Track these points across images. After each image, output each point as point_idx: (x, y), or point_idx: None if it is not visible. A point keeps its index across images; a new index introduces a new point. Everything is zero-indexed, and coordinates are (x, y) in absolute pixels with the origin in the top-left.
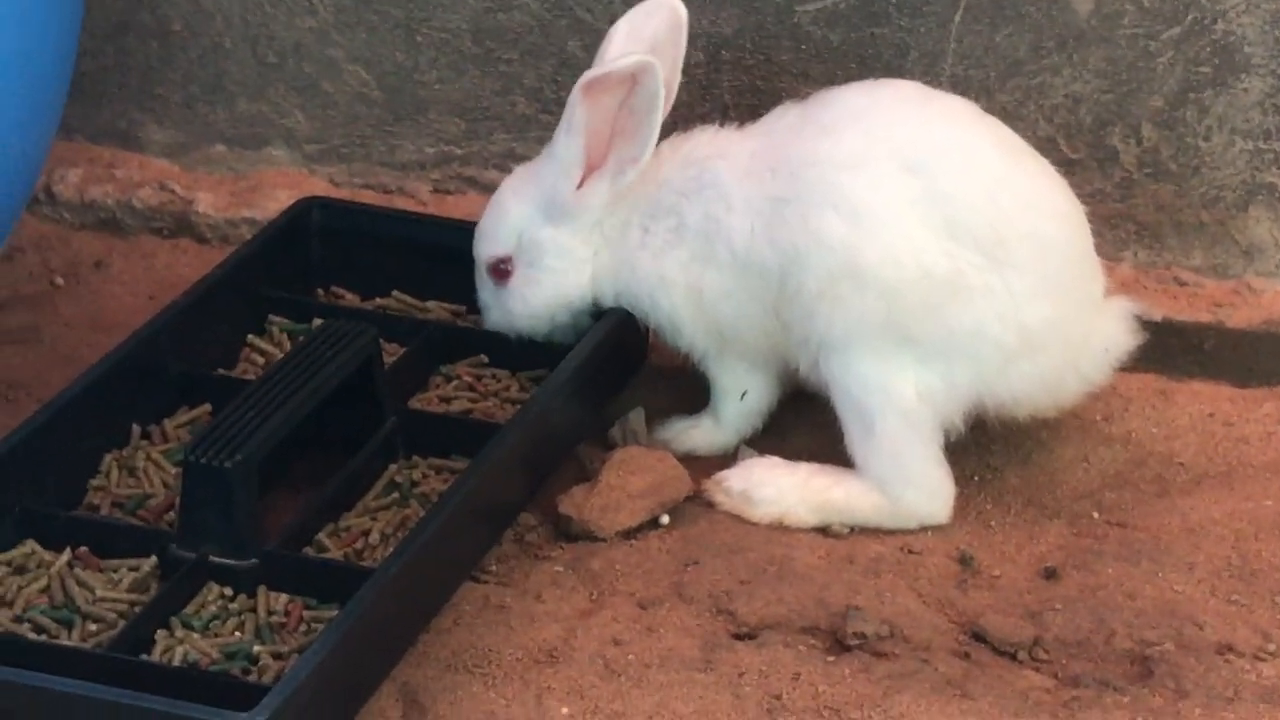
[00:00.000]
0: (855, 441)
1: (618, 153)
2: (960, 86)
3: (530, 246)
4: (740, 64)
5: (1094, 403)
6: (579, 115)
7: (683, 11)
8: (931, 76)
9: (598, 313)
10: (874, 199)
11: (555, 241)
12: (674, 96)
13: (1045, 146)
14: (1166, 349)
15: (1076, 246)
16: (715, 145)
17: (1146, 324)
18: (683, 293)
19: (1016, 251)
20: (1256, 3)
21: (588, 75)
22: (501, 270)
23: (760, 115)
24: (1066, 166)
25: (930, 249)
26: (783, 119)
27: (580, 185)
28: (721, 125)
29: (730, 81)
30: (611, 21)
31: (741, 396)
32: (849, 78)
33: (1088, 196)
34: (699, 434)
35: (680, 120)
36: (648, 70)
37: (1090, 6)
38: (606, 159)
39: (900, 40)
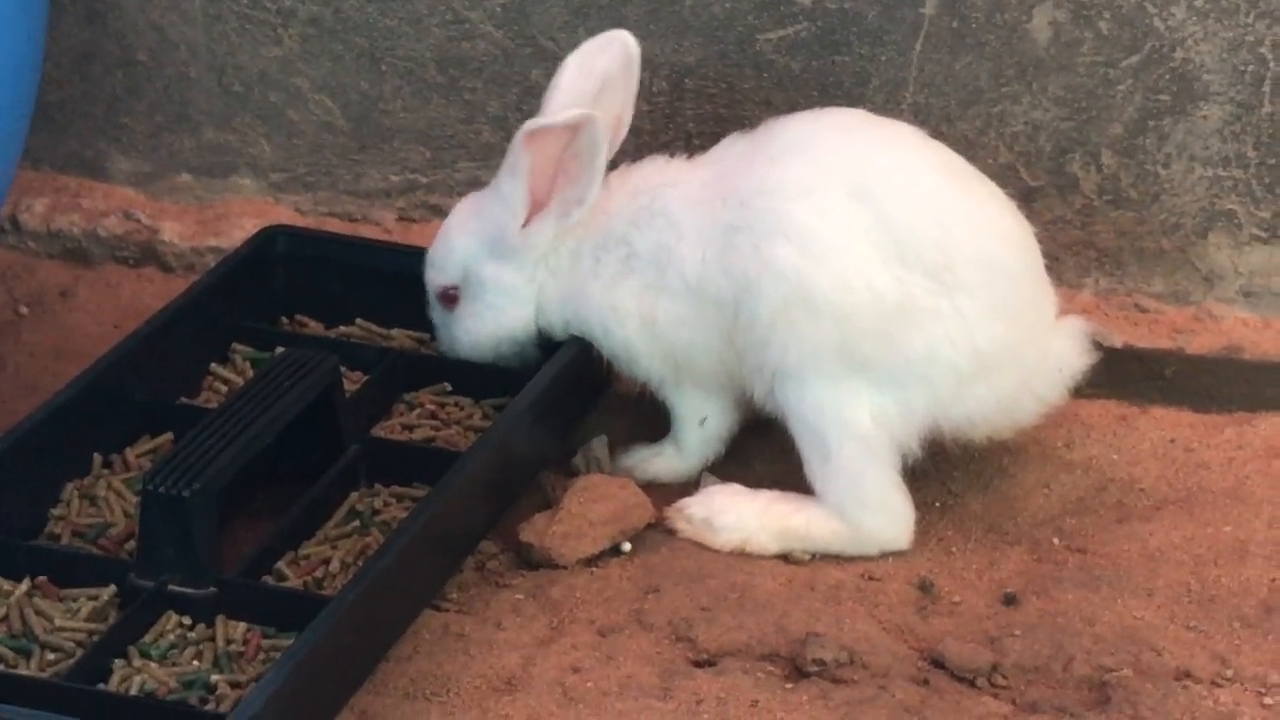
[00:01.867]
0: (813, 468)
1: (562, 194)
2: (921, 114)
3: (474, 281)
4: (703, 92)
5: (1055, 429)
6: (522, 160)
7: (635, 48)
8: (893, 105)
9: (546, 343)
10: (822, 226)
11: (498, 279)
12: (625, 130)
13: (1006, 174)
14: (1127, 375)
15: (1026, 268)
16: (665, 174)
17: (1107, 350)
18: (636, 322)
19: (965, 275)
20: (1214, 30)
21: (529, 125)
22: (449, 297)
23: (718, 142)
24: (1027, 194)
25: (880, 274)
26: (732, 148)
27: (526, 224)
28: (673, 155)
29: (693, 110)
30: (573, 47)
31: (701, 423)
32: (811, 106)
33: (1048, 224)
34: (661, 462)
35: (644, 148)
36: (588, 123)
37: (1049, 35)
38: (551, 199)
39: (861, 68)
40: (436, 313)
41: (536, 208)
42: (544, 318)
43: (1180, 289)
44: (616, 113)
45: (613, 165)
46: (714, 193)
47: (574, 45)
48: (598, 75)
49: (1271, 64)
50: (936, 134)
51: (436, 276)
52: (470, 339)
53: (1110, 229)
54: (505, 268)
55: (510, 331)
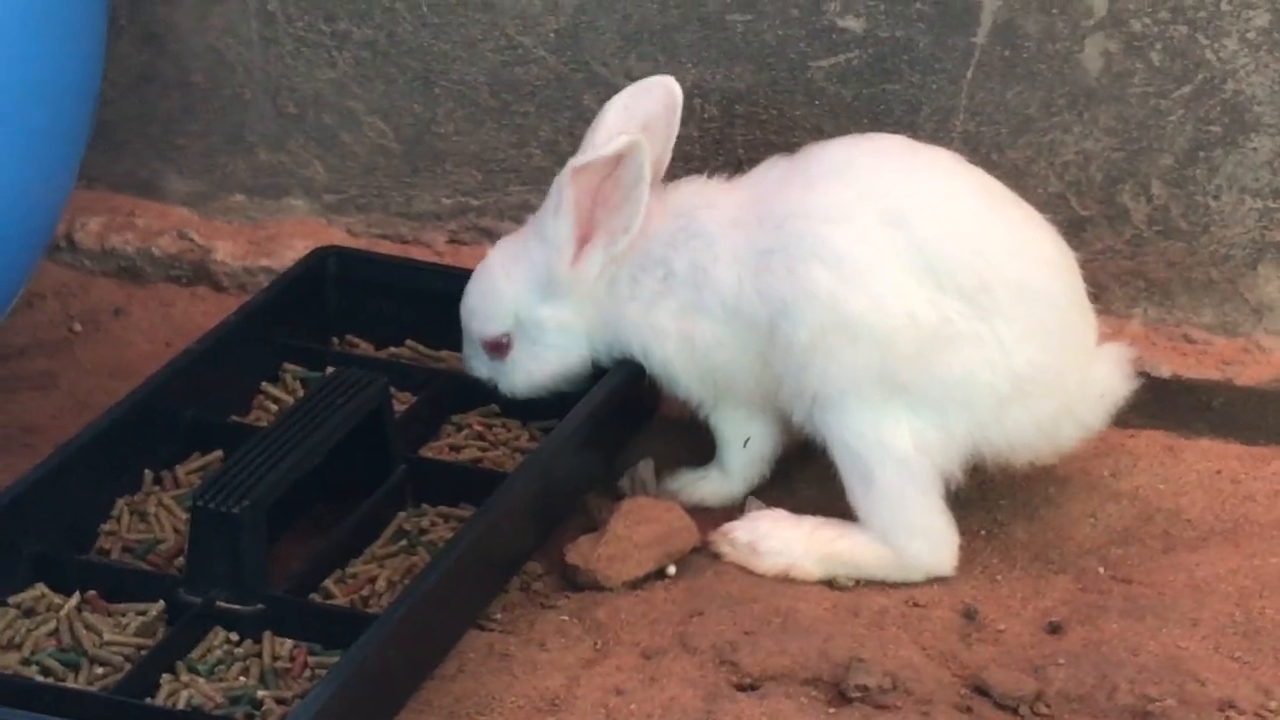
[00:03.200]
0: (856, 495)
1: (607, 225)
2: (971, 143)
3: (530, 325)
4: (754, 119)
5: (1102, 458)
6: (568, 197)
7: (678, 93)
8: (943, 133)
9: (598, 369)
10: (858, 251)
11: (556, 319)
12: (662, 172)
13: (1056, 203)
14: (1175, 406)
15: (1065, 292)
16: (703, 196)
17: (1155, 381)
18: (675, 342)
19: (1002, 298)
20: (1266, 62)
21: (576, 161)
22: (500, 345)
23: None
24: (1077, 224)
25: (916, 298)
26: (770, 172)
27: (574, 262)
28: (711, 176)
29: (744, 136)
30: (626, 76)
31: (745, 444)
32: (862, 133)
33: (1098, 254)
34: (707, 485)
35: (695, 174)
36: (635, 149)
37: (1101, 65)
38: (594, 231)
39: (912, 96)
40: (480, 360)
41: (581, 242)
42: (592, 345)
43: (1229, 320)
44: (656, 155)
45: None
46: (750, 215)
47: (626, 71)
48: (640, 117)
49: None
50: (987, 163)
51: (484, 327)
52: (531, 381)
53: (1160, 259)
54: (559, 307)
55: (570, 368)
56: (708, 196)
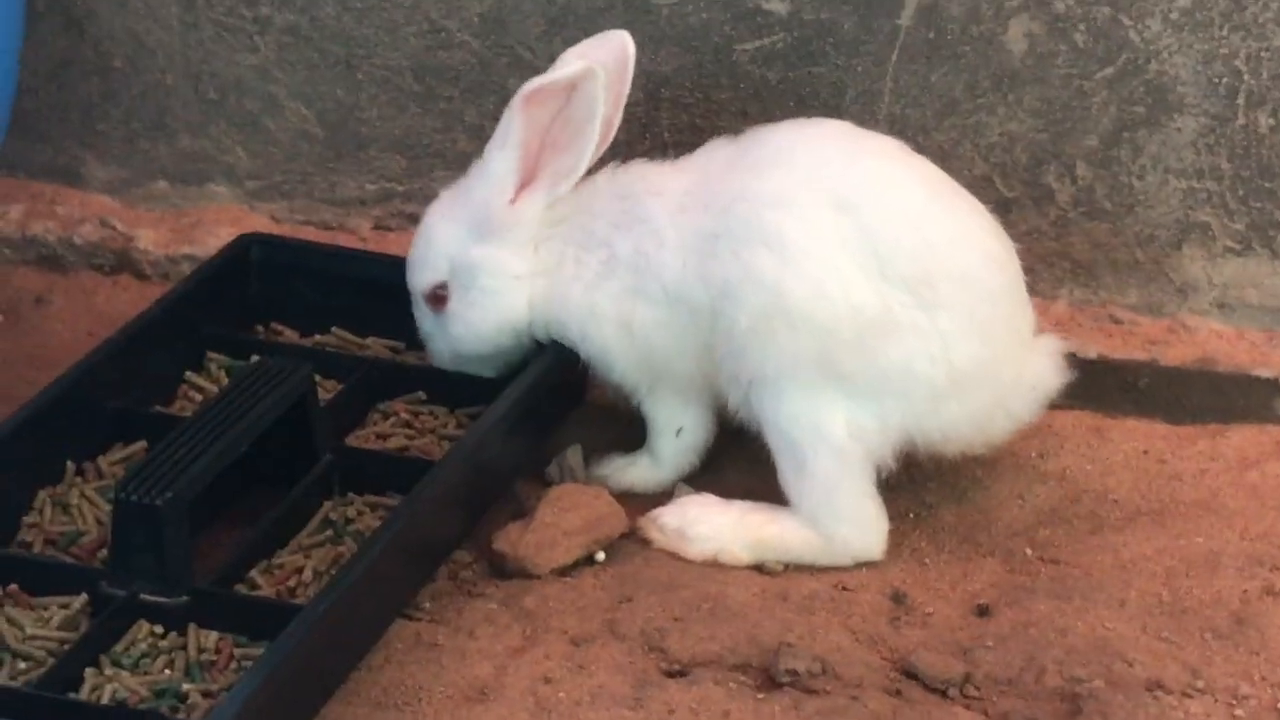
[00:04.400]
0: (788, 478)
1: (553, 165)
2: (897, 125)
3: (464, 268)
4: (679, 102)
5: (1029, 440)
6: (516, 127)
7: (631, 47)
8: (869, 115)
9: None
10: (803, 236)
11: (490, 259)
12: (613, 132)
13: (981, 185)
14: (1101, 386)
15: (1006, 286)
16: (648, 180)
17: (1081, 361)
18: (614, 325)
19: (945, 291)
20: (1189, 43)
21: (529, 85)
22: (438, 297)
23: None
24: (1002, 205)
25: (859, 287)
26: (714, 155)
27: (514, 200)
28: (652, 159)
29: (669, 119)
30: (551, 59)
31: (678, 433)
32: (787, 116)
33: (1023, 235)
34: (636, 471)
35: (619, 158)
36: (589, 76)
37: (1024, 46)
38: (538, 173)
39: (838, 79)
40: (427, 320)
41: (522, 185)
42: (533, 315)
43: (1154, 300)
44: (607, 112)
45: (593, 170)
46: (696, 200)
47: (551, 55)
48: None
49: (1246, 76)
50: (912, 145)
51: (421, 277)
52: (470, 331)
53: (1085, 240)
54: (495, 247)
55: (510, 318)
56: (652, 180)
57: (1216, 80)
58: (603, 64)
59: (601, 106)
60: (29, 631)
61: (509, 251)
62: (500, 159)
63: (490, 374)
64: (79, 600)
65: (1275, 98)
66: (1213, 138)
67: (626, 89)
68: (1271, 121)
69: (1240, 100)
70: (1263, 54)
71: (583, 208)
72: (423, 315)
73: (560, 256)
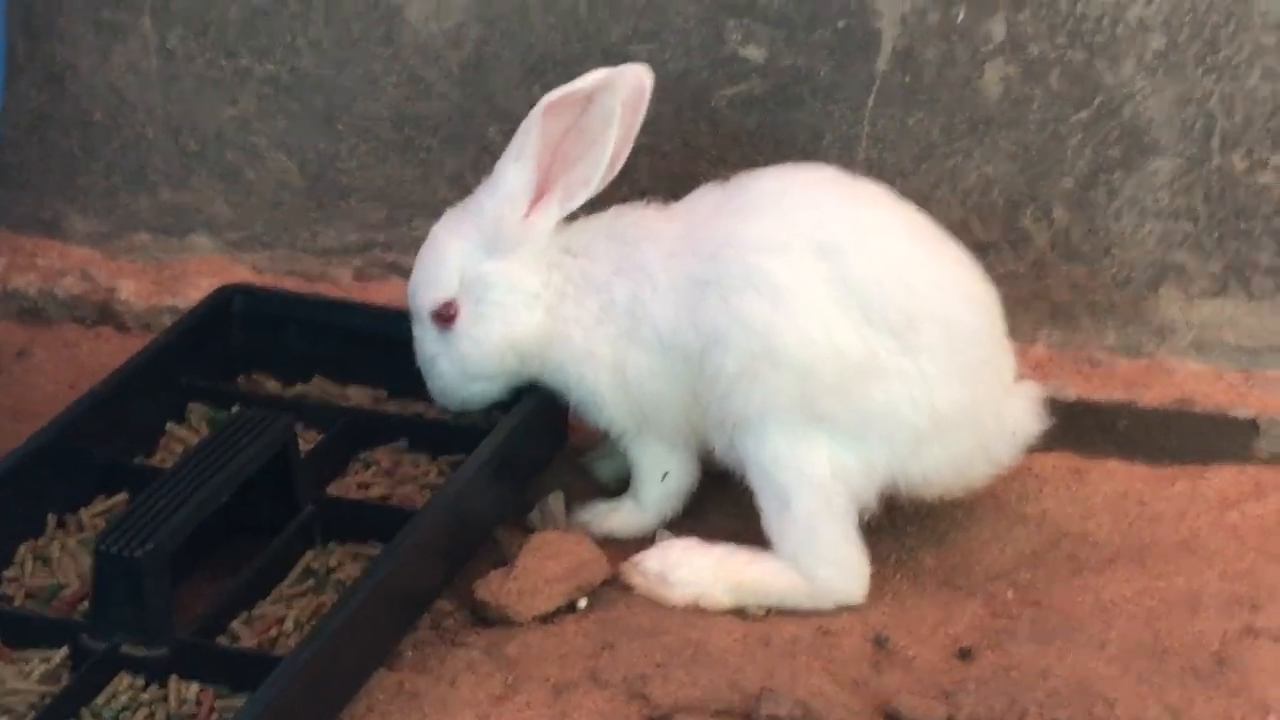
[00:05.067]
0: (770, 519)
1: (566, 178)
2: (875, 169)
3: (475, 283)
4: (658, 149)
5: (1009, 482)
6: (534, 139)
7: (649, 80)
8: (847, 160)
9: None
10: (791, 281)
11: (503, 274)
12: (621, 163)
13: (958, 228)
14: (1081, 428)
15: (988, 331)
16: (643, 226)
17: (1060, 404)
18: (609, 370)
19: (929, 335)
20: (1163, 85)
21: (551, 95)
22: (445, 315)
23: (678, 198)
24: (980, 248)
25: (844, 331)
26: (705, 200)
27: (527, 215)
28: (650, 201)
29: (648, 165)
30: (530, 108)
31: (663, 478)
32: (765, 161)
33: (1001, 278)
34: (620, 517)
35: (598, 202)
36: (607, 87)
37: (1000, 90)
38: (551, 187)
39: (815, 124)
40: (430, 341)
41: (537, 196)
42: (537, 348)
43: (1132, 342)
44: (622, 136)
45: (589, 208)
46: (686, 245)
47: (529, 103)
48: None
49: (1219, 118)
50: (890, 189)
51: (429, 295)
52: (479, 350)
53: (1062, 283)
54: (508, 263)
55: (520, 336)
56: (647, 226)
57: (1191, 122)
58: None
59: (617, 120)
60: (10, 685)
61: (524, 268)
62: (515, 171)
63: (486, 402)
64: (60, 653)
65: (1249, 139)
66: (1188, 179)
67: (639, 121)
68: (1246, 163)
69: (1215, 142)
70: (1236, 96)
71: (584, 248)
72: (426, 336)
73: (561, 295)
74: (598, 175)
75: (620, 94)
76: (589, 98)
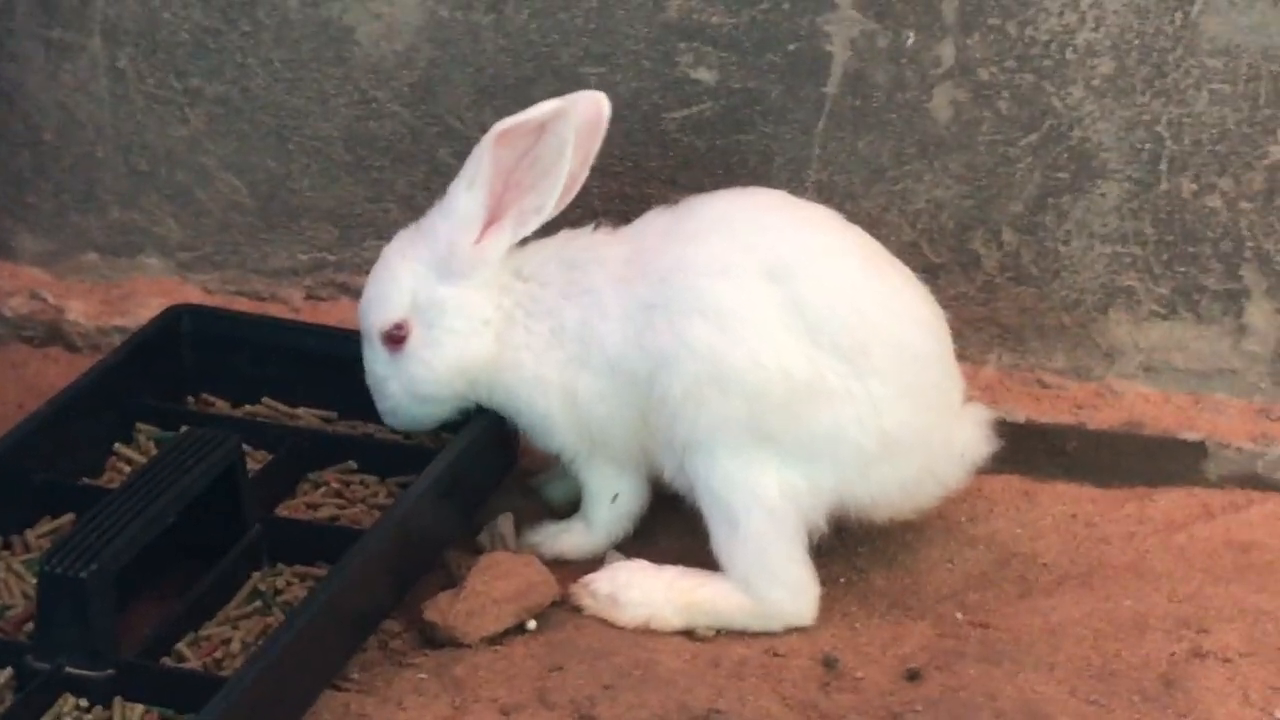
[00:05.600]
0: (720, 541)
1: (518, 205)
2: (825, 192)
3: (428, 307)
4: (609, 170)
5: (958, 504)
6: (486, 166)
7: (606, 107)
8: (797, 182)
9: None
10: (738, 305)
11: (456, 299)
12: (577, 188)
13: (909, 251)
14: (1030, 450)
15: (937, 354)
16: (592, 250)
17: (1010, 426)
18: (558, 394)
19: (878, 358)
20: (1111, 109)
21: (501, 125)
22: (396, 336)
23: (628, 220)
24: (930, 271)
25: (792, 354)
26: (652, 224)
27: (478, 240)
28: (599, 225)
29: (600, 188)
30: (482, 129)
31: (613, 500)
32: (716, 183)
33: (951, 300)
34: (570, 538)
35: (550, 225)
36: (560, 116)
37: (950, 114)
38: (503, 214)
39: (765, 147)
40: (380, 362)
41: (489, 222)
42: (484, 374)
43: (1081, 365)
44: (573, 169)
45: (539, 231)
46: (635, 269)
47: (481, 124)
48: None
49: (1168, 142)
50: (840, 212)
51: (380, 315)
52: (430, 372)
53: (1012, 305)
54: (460, 288)
55: (471, 361)
56: (597, 250)
57: (1139, 146)
58: (576, 122)
59: (570, 148)
60: None
61: (477, 293)
62: (468, 198)
63: (434, 423)
64: (4, 674)
65: (1197, 163)
66: (1136, 203)
67: (596, 147)
68: (1194, 186)
69: (1163, 165)
70: (1184, 120)
71: (534, 273)
72: (375, 357)
73: (511, 320)
74: (551, 202)
75: (574, 123)
76: (542, 126)
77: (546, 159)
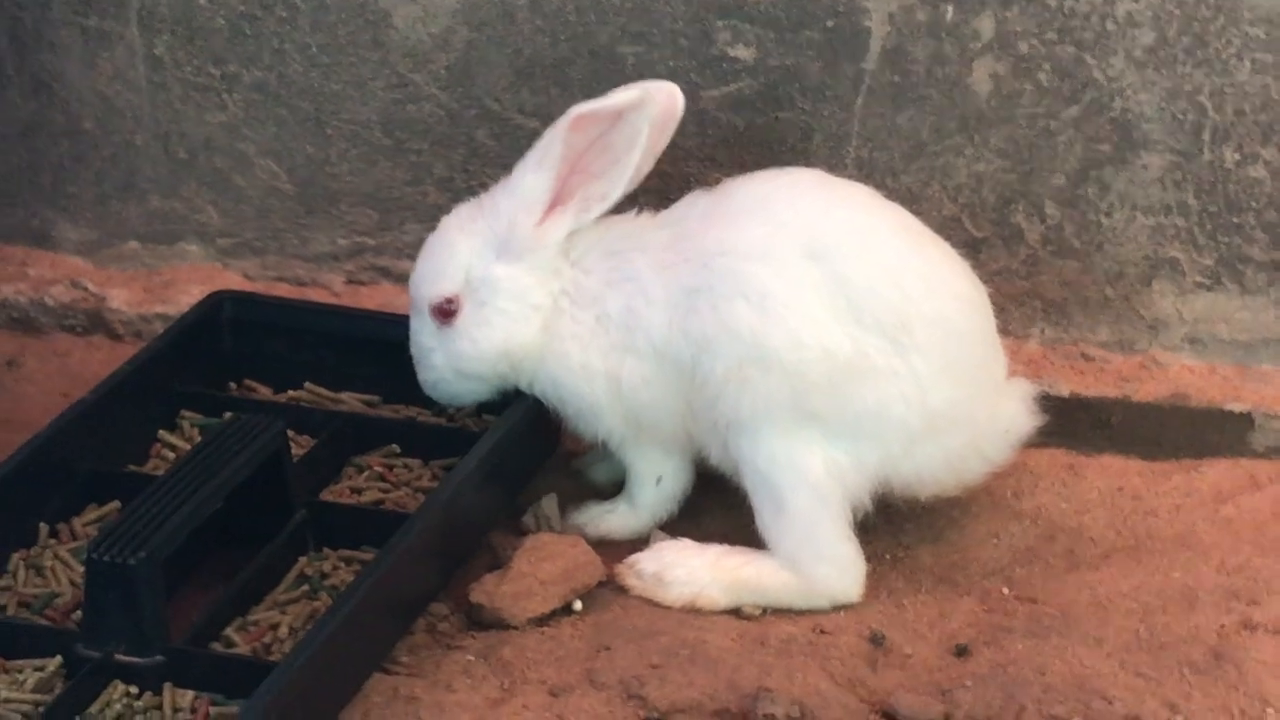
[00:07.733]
0: (766, 520)
1: (584, 191)
2: (865, 168)
3: (481, 284)
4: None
5: (1004, 479)
6: (557, 150)
7: (680, 101)
8: (836, 159)
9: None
10: (779, 286)
11: (510, 279)
12: (640, 179)
13: (950, 226)
14: (1075, 424)
15: (979, 329)
16: (633, 237)
17: (1054, 399)
18: (603, 381)
19: (920, 335)
20: (1153, 80)
21: (578, 108)
22: (447, 310)
23: (668, 199)
24: (972, 245)
25: (833, 333)
26: (694, 207)
27: (540, 222)
28: (641, 209)
29: None
30: (519, 111)
31: (657, 481)
32: (755, 161)
33: (993, 274)
34: (614, 519)
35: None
36: (638, 106)
37: (990, 87)
38: (567, 198)
39: (804, 124)
40: (427, 333)
41: (552, 205)
42: (528, 359)
43: (1125, 337)
44: (641, 160)
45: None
46: (677, 254)
47: (519, 106)
48: None
49: (1210, 112)
50: (881, 188)
51: (433, 287)
52: (476, 350)
53: (1055, 279)
54: (516, 268)
55: (517, 345)
56: (638, 236)
57: (1181, 117)
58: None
59: (644, 138)
60: (3, 695)
61: (532, 278)
62: (535, 178)
63: (474, 400)
64: (54, 662)
65: (1240, 133)
66: (1179, 174)
67: (666, 140)
68: (1237, 156)
69: (1206, 136)
70: (1226, 89)
71: (578, 260)
72: (423, 327)
73: (558, 310)
74: (617, 190)
75: (650, 114)
76: (619, 114)
77: (618, 147)
